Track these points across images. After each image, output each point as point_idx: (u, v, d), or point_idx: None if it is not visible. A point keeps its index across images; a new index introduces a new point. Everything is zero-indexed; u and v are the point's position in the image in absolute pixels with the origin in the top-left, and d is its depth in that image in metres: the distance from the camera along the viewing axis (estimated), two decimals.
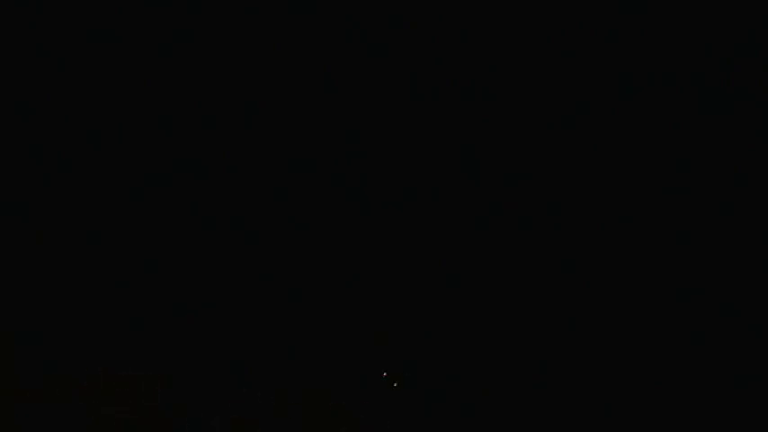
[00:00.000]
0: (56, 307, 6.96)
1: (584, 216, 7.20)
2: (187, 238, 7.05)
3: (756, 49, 7.09)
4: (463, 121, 7.22)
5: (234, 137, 7.15)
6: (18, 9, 7.06)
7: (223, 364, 7.05)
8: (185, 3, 7.08)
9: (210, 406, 6.99)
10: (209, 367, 7.03)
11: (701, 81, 7.16)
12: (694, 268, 7.13)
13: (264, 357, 7.11)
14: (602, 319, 7.11)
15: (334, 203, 7.22)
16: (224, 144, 7.15)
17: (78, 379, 6.90)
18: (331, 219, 7.23)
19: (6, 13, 7.05)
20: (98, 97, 7.11)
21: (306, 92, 7.18)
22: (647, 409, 7.00)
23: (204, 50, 7.09)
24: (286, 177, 7.16)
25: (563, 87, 7.24)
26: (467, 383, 7.05)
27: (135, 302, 6.99)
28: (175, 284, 6.95)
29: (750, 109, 7.14)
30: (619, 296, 7.14)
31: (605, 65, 7.22)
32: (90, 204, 7.08)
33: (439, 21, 7.19)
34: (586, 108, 7.24)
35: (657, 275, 7.16)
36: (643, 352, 7.07)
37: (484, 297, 7.16)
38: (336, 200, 7.22)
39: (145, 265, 7.03)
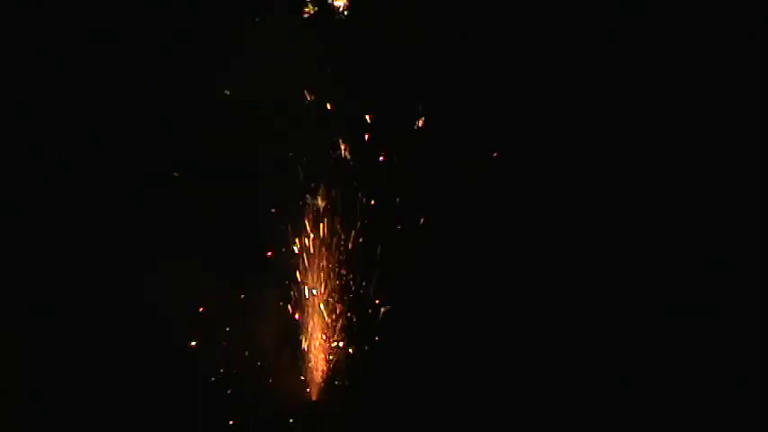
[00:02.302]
0: (56, 307, 6.98)
1: (584, 216, 7.20)
2: (187, 239, 7.06)
3: (756, 49, 7.10)
4: (463, 122, 7.24)
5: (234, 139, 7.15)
6: (18, 9, 7.08)
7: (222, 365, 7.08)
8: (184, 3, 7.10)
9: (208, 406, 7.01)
10: (209, 368, 7.05)
11: (701, 81, 7.17)
12: (694, 268, 7.13)
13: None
14: (601, 320, 7.12)
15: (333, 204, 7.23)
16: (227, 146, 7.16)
17: (79, 378, 6.93)
18: (329, 220, 7.24)
19: (6, 13, 7.07)
20: (98, 97, 7.12)
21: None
22: (647, 409, 7.01)
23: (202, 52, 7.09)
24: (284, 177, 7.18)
25: (563, 88, 7.25)
26: (465, 383, 7.06)
27: (134, 302, 7.00)
28: (175, 284, 6.95)
29: (750, 109, 7.15)
30: (618, 296, 7.15)
31: (605, 65, 7.23)
32: (90, 204, 7.10)
33: (439, 21, 7.20)
34: (587, 108, 7.25)
35: (656, 275, 7.17)
36: (642, 352, 7.08)
37: (482, 297, 7.17)
38: (335, 200, 7.24)
39: (145, 266, 7.04)
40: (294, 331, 7.20)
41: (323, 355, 7.19)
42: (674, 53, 7.18)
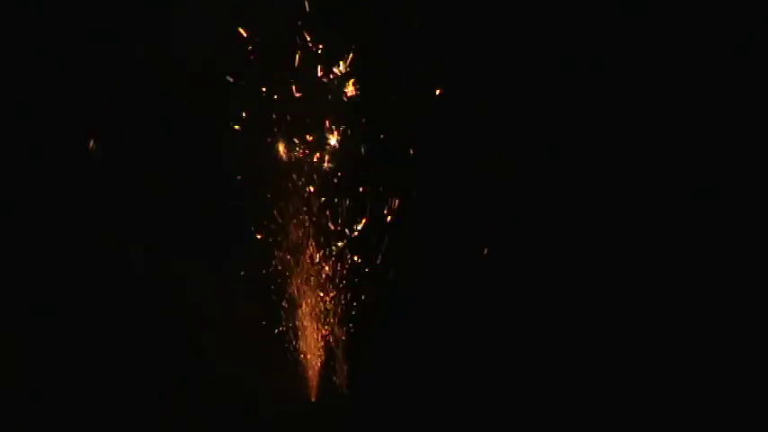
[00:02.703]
0: (55, 307, 6.99)
1: (583, 216, 7.21)
2: (184, 238, 7.07)
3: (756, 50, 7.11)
4: (462, 122, 7.25)
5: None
6: (18, 9, 7.08)
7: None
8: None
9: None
10: (209, 370, 7.06)
11: (701, 81, 7.17)
12: (694, 268, 7.14)
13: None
14: (600, 320, 7.12)
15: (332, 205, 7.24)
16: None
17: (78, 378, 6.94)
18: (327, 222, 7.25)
19: (6, 13, 7.07)
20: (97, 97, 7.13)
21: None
22: (647, 409, 7.02)
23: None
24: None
25: (563, 87, 7.26)
26: (463, 384, 7.07)
27: (135, 303, 7.02)
28: (172, 284, 6.97)
29: (750, 109, 7.15)
30: (617, 296, 7.15)
31: (605, 65, 7.24)
32: (90, 203, 7.10)
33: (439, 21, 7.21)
34: (587, 108, 7.25)
35: (656, 275, 7.18)
36: (642, 352, 7.08)
37: (481, 293, 7.18)
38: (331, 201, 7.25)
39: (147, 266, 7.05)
40: (289, 330, 7.23)
41: (319, 354, 7.21)
42: (674, 53, 7.19)
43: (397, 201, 7.16)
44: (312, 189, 7.15)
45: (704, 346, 7.00)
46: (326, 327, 7.23)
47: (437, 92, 7.12)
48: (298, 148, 7.13)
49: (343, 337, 7.23)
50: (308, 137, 7.14)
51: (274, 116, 7.08)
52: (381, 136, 7.15)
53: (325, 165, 7.13)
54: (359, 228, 7.19)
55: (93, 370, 6.93)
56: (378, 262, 7.18)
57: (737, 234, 7.14)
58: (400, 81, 7.10)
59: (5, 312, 6.93)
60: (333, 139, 7.13)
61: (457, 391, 7.06)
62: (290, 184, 7.15)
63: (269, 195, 7.15)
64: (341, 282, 7.22)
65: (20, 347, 6.92)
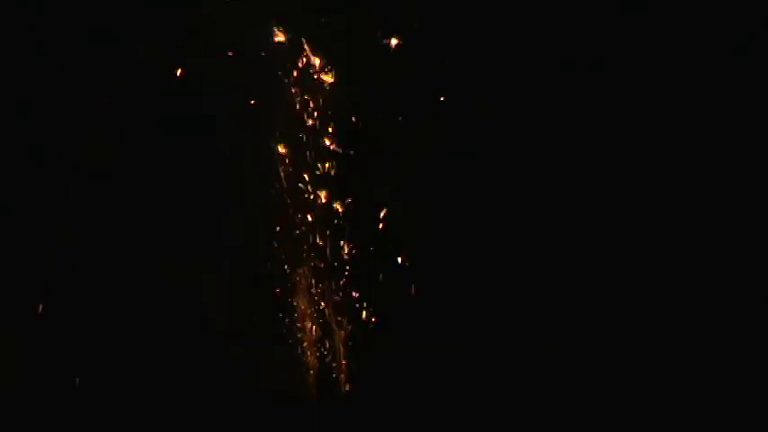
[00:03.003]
0: (54, 307, 7.00)
1: (584, 217, 7.21)
2: (189, 239, 7.08)
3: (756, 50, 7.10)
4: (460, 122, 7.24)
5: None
6: (18, 9, 7.09)
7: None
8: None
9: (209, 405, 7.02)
10: (207, 371, 7.06)
11: (701, 81, 7.16)
12: (694, 268, 7.13)
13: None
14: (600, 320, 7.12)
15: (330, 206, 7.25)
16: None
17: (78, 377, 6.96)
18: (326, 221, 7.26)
19: (6, 13, 7.08)
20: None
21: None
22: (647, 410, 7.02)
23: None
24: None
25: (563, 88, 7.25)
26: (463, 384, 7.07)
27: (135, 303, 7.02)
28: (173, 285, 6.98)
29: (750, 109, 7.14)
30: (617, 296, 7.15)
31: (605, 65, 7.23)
32: (90, 204, 7.11)
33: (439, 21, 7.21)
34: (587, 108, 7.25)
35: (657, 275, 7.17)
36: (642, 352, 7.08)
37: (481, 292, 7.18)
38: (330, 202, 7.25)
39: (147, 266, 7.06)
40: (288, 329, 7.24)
41: (320, 353, 7.21)
42: (674, 53, 7.18)
43: (396, 200, 7.17)
44: (311, 188, 7.16)
45: (705, 345, 7.00)
46: (326, 325, 7.24)
47: (436, 92, 7.13)
48: (294, 149, 7.15)
49: (344, 337, 7.23)
50: (303, 137, 7.15)
51: (272, 116, 7.11)
52: (379, 137, 7.16)
53: (321, 165, 7.14)
54: (357, 227, 7.21)
55: (92, 370, 6.94)
56: (377, 262, 7.19)
57: (737, 234, 7.13)
58: (400, 80, 7.11)
59: (5, 312, 6.95)
60: (328, 141, 7.14)
61: (457, 392, 7.05)
62: (289, 182, 7.17)
63: (269, 192, 7.16)
64: (341, 281, 7.23)
65: (20, 347, 6.93)
